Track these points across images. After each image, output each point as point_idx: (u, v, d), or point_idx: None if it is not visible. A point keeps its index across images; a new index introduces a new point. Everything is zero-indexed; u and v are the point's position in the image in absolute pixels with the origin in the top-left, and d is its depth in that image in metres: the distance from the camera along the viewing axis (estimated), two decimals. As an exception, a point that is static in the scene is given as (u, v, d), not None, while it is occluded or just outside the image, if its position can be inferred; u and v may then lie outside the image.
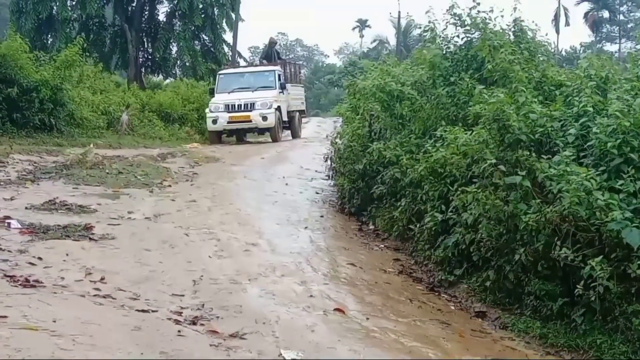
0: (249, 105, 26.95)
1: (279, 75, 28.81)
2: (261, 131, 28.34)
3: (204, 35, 38.09)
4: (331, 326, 7.21)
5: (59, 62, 22.72)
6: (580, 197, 7.50)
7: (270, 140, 28.01)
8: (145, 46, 38.47)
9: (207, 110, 27.92)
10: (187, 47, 35.40)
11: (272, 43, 33.71)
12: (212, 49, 37.26)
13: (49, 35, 36.31)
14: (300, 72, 37.35)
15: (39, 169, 15.49)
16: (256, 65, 32.62)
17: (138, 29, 36.74)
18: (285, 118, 28.90)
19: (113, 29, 38.05)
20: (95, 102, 25.44)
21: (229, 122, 27.07)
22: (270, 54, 32.38)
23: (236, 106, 27.02)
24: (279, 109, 27.63)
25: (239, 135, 28.81)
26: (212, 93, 28.61)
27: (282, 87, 28.42)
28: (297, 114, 31.34)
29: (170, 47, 37.10)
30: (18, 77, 20.95)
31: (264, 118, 26.80)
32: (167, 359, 5.59)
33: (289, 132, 30.38)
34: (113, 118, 25.74)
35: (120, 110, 26.08)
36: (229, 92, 27.71)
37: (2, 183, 13.12)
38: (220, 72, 30.44)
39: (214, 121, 27.17)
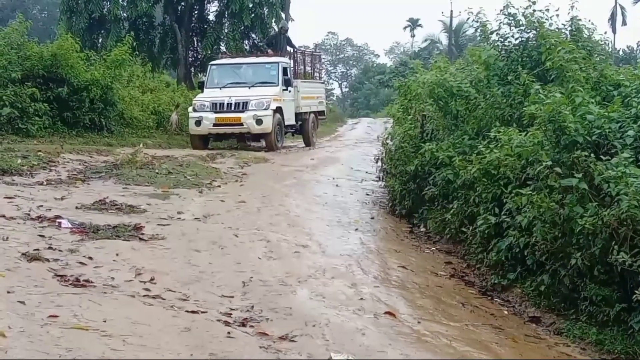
0: (240, 105, 22.74)
1: (285, 69, 24.48)
2: (255, 137, 23.91)
3: (253, 35, 38.19)
4: (382, 330, 7.19)
5: (109, 61, 23.00)
6: (639, 200, 7.39)
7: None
8: (195, 45, 38.75)
9: (189, 108, 23.89)
10: (236, 47, 35.46)
11: (283, 29, 29.02)
12: (261, 49, 37.41)
13: (99, 35, 36.77)
14: (320, 65, 33.23)
15: (89, 168, 15.68)
16: (258, 56, 27.65)
17: (188, 29, 37.03)
18: (291, 122, 24.95)
19: (163, 29, 38.39)
20: (145, 101, 25.71)
21: (215, 125, 22.81)
22: (277, 41, 27.66)
23: (225, 105, 22.89)
24: (279, 110, 23.36)
25: (240, 139, 24.33)
26: (202, 87, 24.92)
27: (288, 84, 24.25)
28: (312, 115, 26.95)
29: (219, 46, 37.25)
30: (69, 76, 21.29)
31: (259, 121, 22.50)
32: (217, 361, 5.62)
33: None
34: (162, 118, 25.95)
35: (170, 110, 26.25)
36: (220, 88, 23.85)
37: (53, 182, 13.30)
38: (212, 62, 26.44)
39: (197, 123, 22.89)
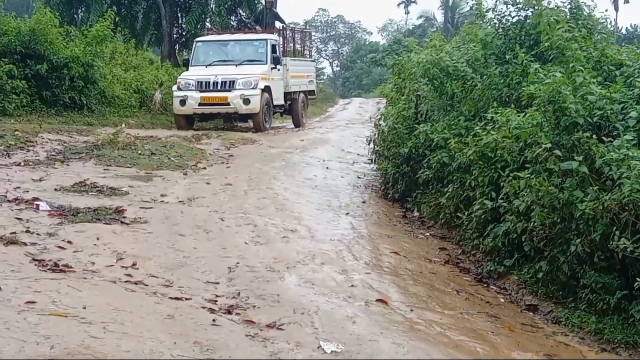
0: (227, 84, 22.67)
1: (273, 46, 24.48)
2: (242, 118, 24.02)
3: (240, 10, 37.95)
4: (373, 318, 7.18)
5: (90, 37, 22.93)
6: (641, 184, 7.38)
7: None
8: (180, 21, 38.51)
9: (174, 87, 23.76)
10: (222, 23, 35.23)
11: (269, 2, 28.86)
12: (249, 26, 37.22)
13: (79, 10, 36.51)
14: (310, 42, 32.98)
15: (69, 149, 15.62)
16: (245, 32, 27.30)
17: (172, 4, 36.74)
18: (280, 102, 24.98)
19: (146, 4, 38.14)
20: (128, 79, 25.61)
21: (200, 105, 22.63)
22: (264, 17, 27.86)
23: (211, 84, 22.76)
24: (267, 89, 23.32)
25: (227, 119, 24.38)
26: (187, 65, 24.87)
27: (276, 62, 24.11)
28: (301, 95, 27.04)
29: (205, 22, 37.00)
30: (48, 53, 21.19)
31: (246, 101, 22.45)
32: (201, 350, 5.60)
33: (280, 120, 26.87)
34: (146, 97, 25.86)
35: (153, 88, 26.15)
36: (206, 66, 23.78)
37: (30, 163, 13.25)
38: (198, 38, 26.15)
39: (182, 102, 22.74)
